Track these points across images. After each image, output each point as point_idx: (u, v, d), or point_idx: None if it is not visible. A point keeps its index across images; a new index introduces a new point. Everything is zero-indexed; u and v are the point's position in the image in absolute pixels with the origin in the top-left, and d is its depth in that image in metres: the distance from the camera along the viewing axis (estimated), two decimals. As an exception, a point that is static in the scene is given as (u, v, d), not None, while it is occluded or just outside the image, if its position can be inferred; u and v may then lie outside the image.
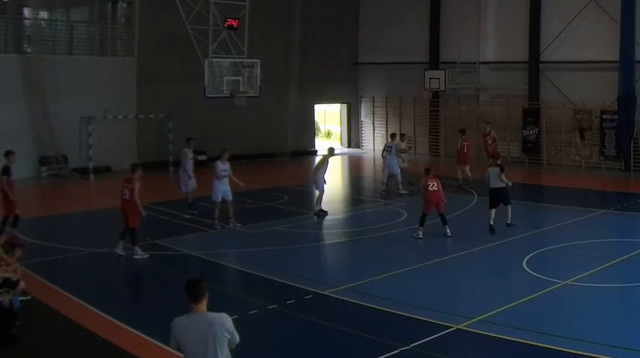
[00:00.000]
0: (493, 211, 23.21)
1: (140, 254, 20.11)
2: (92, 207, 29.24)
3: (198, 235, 23.49)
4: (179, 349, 9.00)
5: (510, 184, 23.35)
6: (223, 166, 24.39)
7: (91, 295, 16.96)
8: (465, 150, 33.59)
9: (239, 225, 24.49)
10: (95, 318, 15.48)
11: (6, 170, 22.63)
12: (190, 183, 26.47)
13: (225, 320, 8.89)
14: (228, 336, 8.87)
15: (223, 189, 24.65)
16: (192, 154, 27.35)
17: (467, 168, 33.07)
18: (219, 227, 24.27)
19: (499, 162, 24.51)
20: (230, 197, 24.62)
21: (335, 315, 15.91)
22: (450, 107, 44.83)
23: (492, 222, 23.09)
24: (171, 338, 8.96)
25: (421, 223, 23.21)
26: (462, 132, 34.81)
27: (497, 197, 23.33)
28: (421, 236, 22.92)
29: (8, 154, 23.32)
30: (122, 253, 20.47)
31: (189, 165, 26.64)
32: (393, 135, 33.71)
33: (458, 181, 32.31)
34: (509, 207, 23.53)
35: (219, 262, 20.41)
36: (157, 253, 21.01)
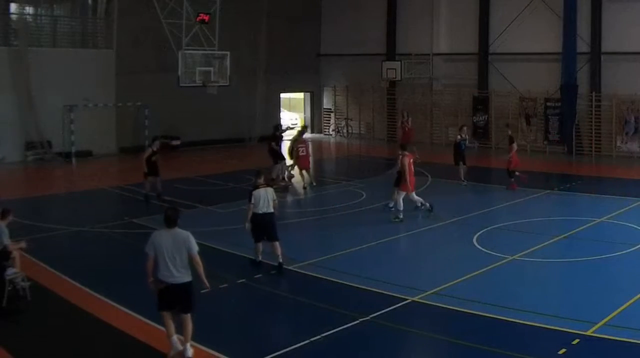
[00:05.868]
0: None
1: None
2: (74, 189, 28.97)
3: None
4: (154, 255, 11.42)
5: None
6: None
7: (72, 269, 16.97)
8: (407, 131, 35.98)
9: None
10: (76, 291, 15.45)
11: None
12: None
13: (190, 235, 11.84)
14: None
15: None
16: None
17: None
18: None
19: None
20: None
21: (298, 289, 15.93)
22: (406, 96, 44.75)
23: None
24: (149, 245, 11.56)
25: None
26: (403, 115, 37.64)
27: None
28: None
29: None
30: None
31: None
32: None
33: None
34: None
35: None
36: (134, 231, 20.92)
